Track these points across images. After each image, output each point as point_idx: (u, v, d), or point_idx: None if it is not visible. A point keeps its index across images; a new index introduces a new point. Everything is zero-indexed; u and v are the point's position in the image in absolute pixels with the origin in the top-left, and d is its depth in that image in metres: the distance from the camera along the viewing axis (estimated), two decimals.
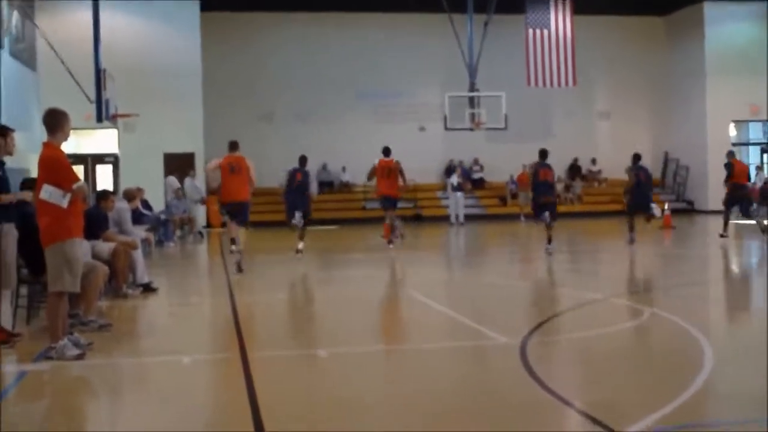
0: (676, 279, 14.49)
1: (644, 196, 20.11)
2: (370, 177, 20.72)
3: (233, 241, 15.75)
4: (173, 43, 30.11)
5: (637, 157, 21.02)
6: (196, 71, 30.39)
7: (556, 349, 8.53)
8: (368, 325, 10.33)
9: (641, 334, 9.30)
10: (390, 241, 20.47)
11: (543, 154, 19.30)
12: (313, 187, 19.49)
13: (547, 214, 18.52)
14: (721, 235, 21.01)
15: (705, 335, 8.67)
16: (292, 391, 6.89)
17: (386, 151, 20.70)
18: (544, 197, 18.78)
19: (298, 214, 18.56)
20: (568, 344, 8.83)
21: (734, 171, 21.22)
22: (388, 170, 20.21)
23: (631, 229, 19.63)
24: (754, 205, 23.80)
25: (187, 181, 27.30)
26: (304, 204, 18.75)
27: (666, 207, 27.32)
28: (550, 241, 18.37)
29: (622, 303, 11.35)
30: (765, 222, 20.53)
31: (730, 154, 22.07)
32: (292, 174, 19.09)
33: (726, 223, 21.16)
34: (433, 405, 6.44)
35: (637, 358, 8.06)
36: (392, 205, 20.36)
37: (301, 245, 18.40)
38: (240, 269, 15.25)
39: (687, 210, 34.34)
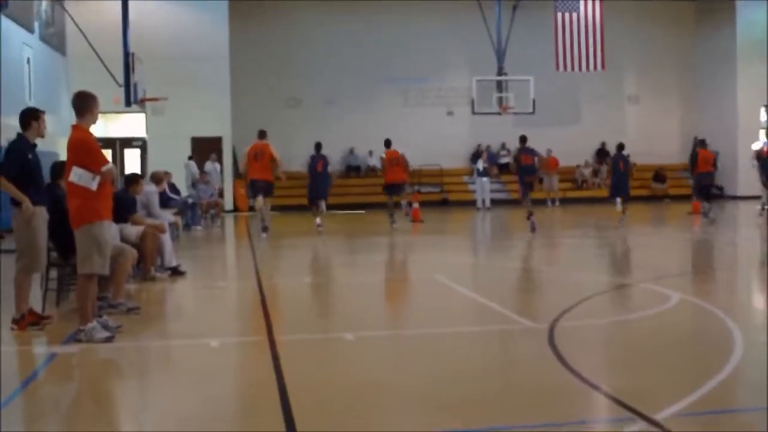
0: (704, 264, 14.39)
1: (618, 184, 21.43)
2: (383, 168, 21.82)
3: (263, 219, 18.85)
4: (201, 27, 30.19)
5: (620, 147, 22.22)
6: (224, 56, 30.45)
7: (584, 334, 8.48)
8: (394, 308, 10.34)
9: (670, 320, 9.24)
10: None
11: (523, 139, 20.58)
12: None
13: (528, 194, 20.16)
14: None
15: (734, 320, 8.60)
16: (320, 374, 6.90)
17: (388, 143, 21.69)
18: (527, 177, 20.29)
19: (322, 204, 20.33)
20: (596, 329, 8.78)
21: (698, 160, 22.83)
22: (395, 160, 21.22)
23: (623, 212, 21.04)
24: None
25: (208, 164, 27.39)
26: (326, 191, 20.79)
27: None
28: (529, 216, 19.63)
29: (651, 288, 11.27)
30: None
31: (701, 143, 23.33)
32: (313, 161, 19.74)
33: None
34: (460, 389, 6.43)
35: (666, 343, 8.01)
36: (400, 191, 21.75)
37: (319, 220, 20.05)
38: (265, 229, 18.60)
39: (716, 196, 34.02)
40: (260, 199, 18.71)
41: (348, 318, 9.61)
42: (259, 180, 18.54)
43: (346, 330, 8.49)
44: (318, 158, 20.41)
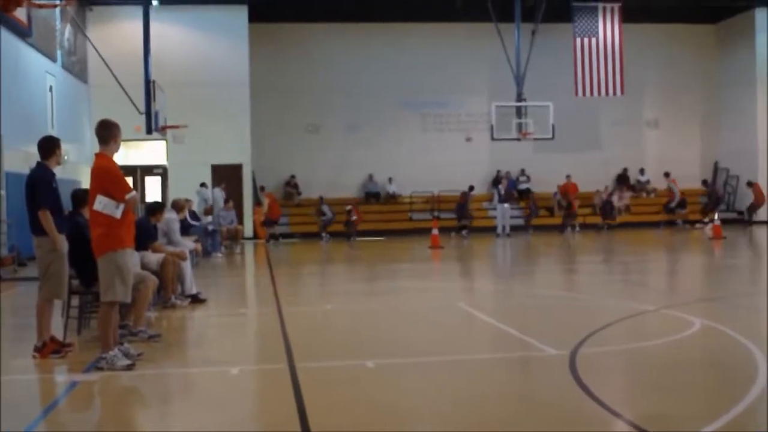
0: (726, 290, 14.29)
1: None
2: None
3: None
4: (222, 54, 30.41)
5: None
6: (244, 82, 30.63)
7: (605, 361, 8.43)
8: (415, 335, 10.30)
9: (692, 346, 9.17)
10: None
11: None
12: None
13: None
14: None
15: (758, 347, 8.52)
16: (340, 402, 6.88)
17: None
18: None
19: None
20: (618, 355, 8.72)
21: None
22: None
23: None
24: None
25: (216, 191, 27.50)
26: None
27: (716, 217, 26.99)
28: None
29: (673, 314, 11.19)
30: None
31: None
32: None
33: None
34: (481, 416, 6.40)
35: (689, 369, 7.94)
36: None
37: None
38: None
39: (737, 220, 33.84)
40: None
41: (369, 345, 9.58)
42: None
43: (367, 357, 8.46)
44: None
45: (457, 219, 30.90)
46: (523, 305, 13.03)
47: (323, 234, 29.97)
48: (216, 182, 28.77)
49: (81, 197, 9.85)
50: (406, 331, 10.51)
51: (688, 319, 10.45)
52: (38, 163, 8.89)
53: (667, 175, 33.98)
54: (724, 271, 18.13)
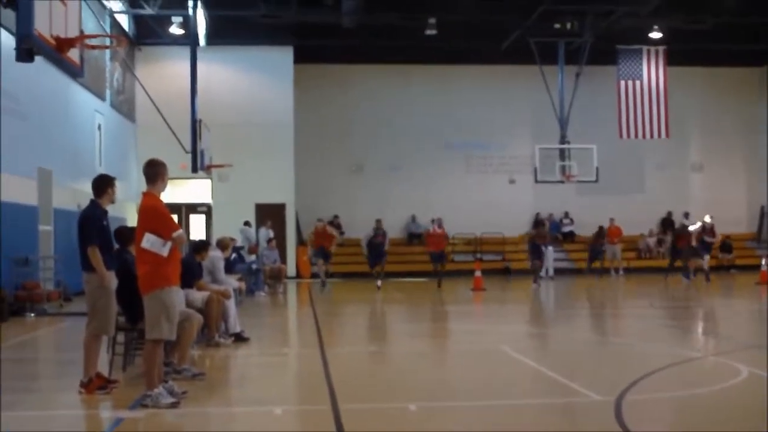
0: None
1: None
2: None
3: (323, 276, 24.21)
4: (267, 94, 30.73)
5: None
6: (289, 122, 30.92)
7: (652, 408, 8.32)
8: (458, 379, 10.25)
9: (740, 394, 9.03)
10: None
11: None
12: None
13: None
14: None
15: None
16: None
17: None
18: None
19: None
20: (665, 403, 8.61)
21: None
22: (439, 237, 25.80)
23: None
24: None
25: (262, 230, 27.63)
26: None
27: (763, 263, 26.60)
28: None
29: (720, 361, 11.04)
30: None
31: None
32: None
33: None
34: None
35: (734, 419, 7.82)
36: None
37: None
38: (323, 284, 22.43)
39: None
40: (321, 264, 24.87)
41: (411, 388, 9.54)
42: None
43: (410, 400, 8.43)
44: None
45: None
46: (567, 349, 12.92)
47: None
48: (260, 221, 28.94)
49: (125, 235, 9.99)
50: (449, 374, 10.46)
51: (736, 366, 10.29)
52: (91, 201, 9.04)
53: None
54: None
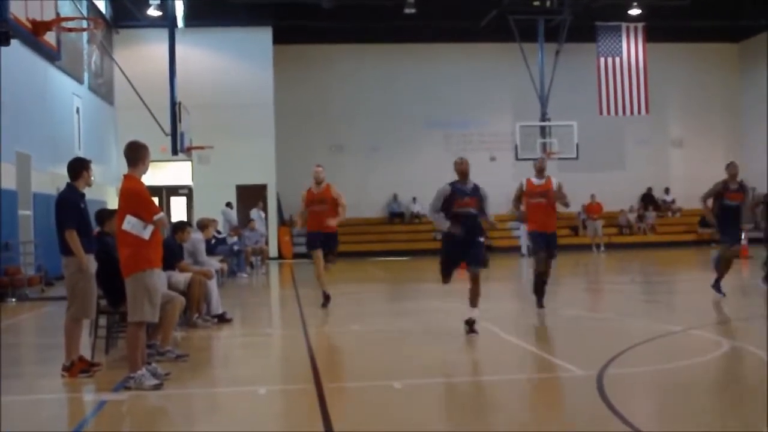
0: (754, 310, 14.16)
1: None
2: None
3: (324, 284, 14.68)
4: (246, 75, 30.61)
5: None
6: (269, 103, 30.82)
7: (634, 382, 8.37)
8: (442, 356, 10.27)
9: (721, 367, 9.10)
10: None
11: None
12: None
13: None
14: None
15: None
16: (367, 423, 6.88)
17: None
18: None
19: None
20: (647, 377, 8.66)
21: None
22: None
23: None
24: None
25: (254, 212, 27.58)
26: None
27: (743, 236, 26.70)
28: None
29: (701, 335, 11.12)
30: None
31: None
32: None
33: None
34: None
35: (718, 391, 7.89)
36: None
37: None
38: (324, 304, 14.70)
39: (764, 239, 33.48)
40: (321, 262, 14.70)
41: (395, 366, 9.56)
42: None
43: (394, 378, 8.44)
44: None
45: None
46: (549, 325, 12.98)
47: None
48: (241, 202, 28.88)
49: (106, 216, 9.96)
50: (433, 351, 10.47)
51: (717, 339, 10.37)
52: (67, 185, 8.99)
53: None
54: (752, 292, 17.97)
